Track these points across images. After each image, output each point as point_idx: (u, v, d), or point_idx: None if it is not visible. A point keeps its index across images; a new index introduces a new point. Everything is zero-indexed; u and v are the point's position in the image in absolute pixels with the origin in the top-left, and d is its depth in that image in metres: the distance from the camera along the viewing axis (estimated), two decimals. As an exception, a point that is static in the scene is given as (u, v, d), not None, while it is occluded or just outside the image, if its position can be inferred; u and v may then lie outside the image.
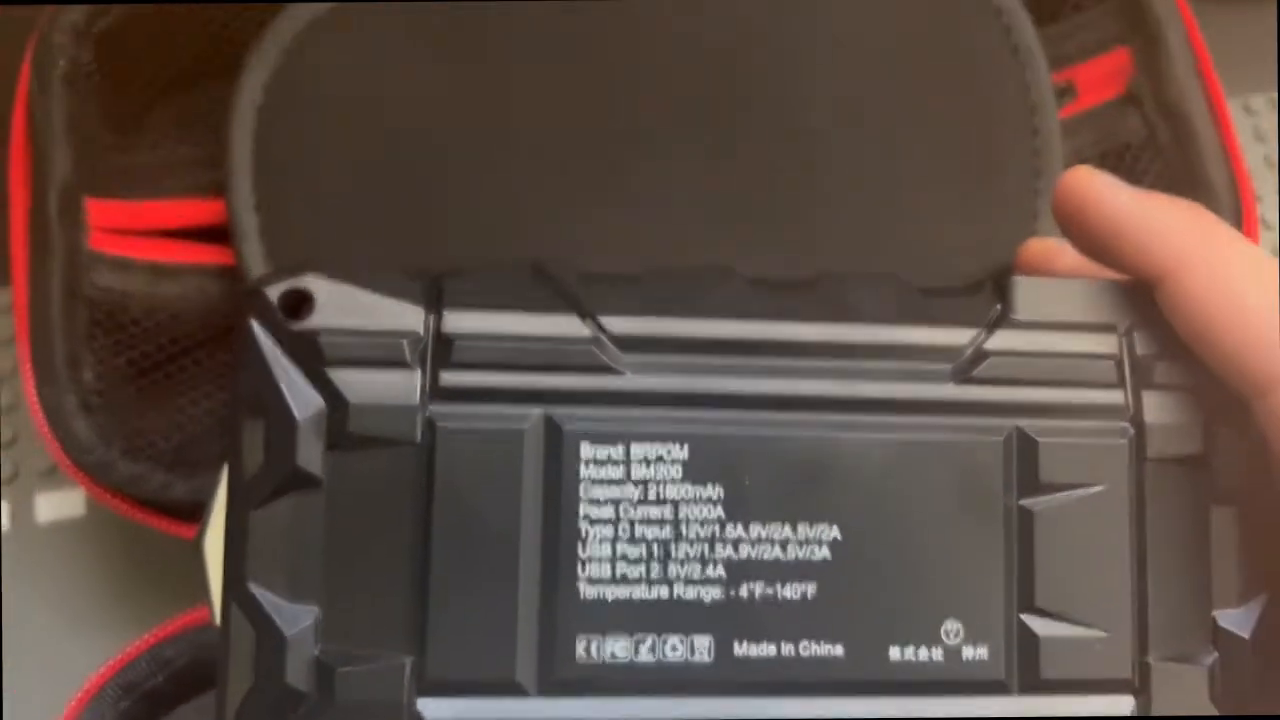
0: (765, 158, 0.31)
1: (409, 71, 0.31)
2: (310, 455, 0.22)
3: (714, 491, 0.23)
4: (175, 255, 0.30)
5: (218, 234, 0.31)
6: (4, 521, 0.33)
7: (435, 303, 0.23)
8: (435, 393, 0.22)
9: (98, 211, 0.30)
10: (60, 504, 0.33)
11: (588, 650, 0.22)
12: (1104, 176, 0.24)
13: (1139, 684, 0.23)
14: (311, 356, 0.22)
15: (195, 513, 0.28)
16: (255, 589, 0.22)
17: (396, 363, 0.22)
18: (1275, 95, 0.40)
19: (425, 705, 0.22)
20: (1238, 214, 0.32)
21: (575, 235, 0.30)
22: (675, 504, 0.22)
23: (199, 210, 0.31)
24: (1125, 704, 0.23)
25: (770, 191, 0.31)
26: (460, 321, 0.22)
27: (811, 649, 0.22)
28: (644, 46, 0.31)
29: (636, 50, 0.31)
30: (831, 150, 0.31)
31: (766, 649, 0.22)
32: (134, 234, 0.30)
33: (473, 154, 0.30)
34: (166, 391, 0.30)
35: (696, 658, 0.22)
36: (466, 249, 0.30)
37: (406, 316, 0.22)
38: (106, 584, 0.32)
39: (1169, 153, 0.33)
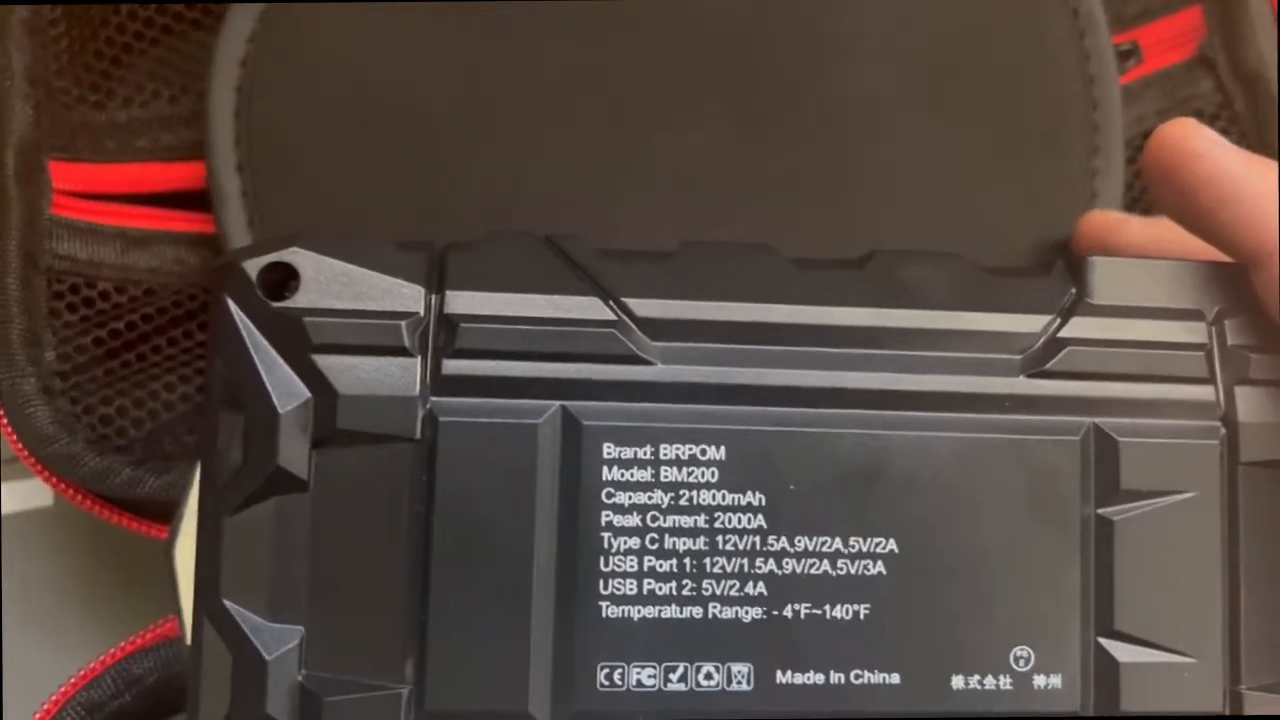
0: (804, 129, 0.28)
1: (410, 23, 0.28)
2: (294, 453, 0.19)
3: (754, 498, 0.20)
4: (148, 222, 0.28)
5: (197, 199, 0.28)
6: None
7: (437, 280, 0.20)
8: (437, 383, 0.20)
9: (61, 174, 0.27)
10: (25, 493, 0.30)
11: (610, 678, 0.19)
12: (1209, 132, 0.22)
13: (1231, 716, 0.21)
14: (296, 341, 0.19)
15: (167, 511, 0.26)
16: (231, 605, 0.19)
17: (393, 348, 0.19)
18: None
19: None
20: (1319, 188, 0.29)
21: (589, 210, 0.27)
22: (710, 512, 0.20)
23: (176, 173, 0.28)
24: (1214, 738, 0.21)
25: (808, 166, 0.28)
26: (466, 302, 0.20)
27: (864, 677, 0.20)
28: (667, 12, 0.28)
29: (658, 16, 0.28)
30: (873, 123, 0.29)
31: (813, 677, 0.20)
32: (102, 198, 0.27)
33: (480, 118, 0.27)
34: (138, 374, 0.27)
35: (734, 686, 0.20)
36: (471, 222, 0.27)
37: (405, 296, 0.20)
38: (73, 584, 0.29)
39: (1245, 121, 0.30)
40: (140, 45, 0.29)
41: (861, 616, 0.20)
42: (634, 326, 0.20)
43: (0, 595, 0.28)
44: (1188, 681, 0.21)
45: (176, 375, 0.28)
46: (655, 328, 0.20)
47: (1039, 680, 0.20)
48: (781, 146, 0.28)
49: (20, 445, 0.25)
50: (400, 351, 0.19)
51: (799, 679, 0.20)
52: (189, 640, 0.20)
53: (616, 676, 0.19)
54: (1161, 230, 0.26)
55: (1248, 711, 0.21)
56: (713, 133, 0.28)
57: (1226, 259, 0.22)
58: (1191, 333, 0.21)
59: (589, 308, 0.20)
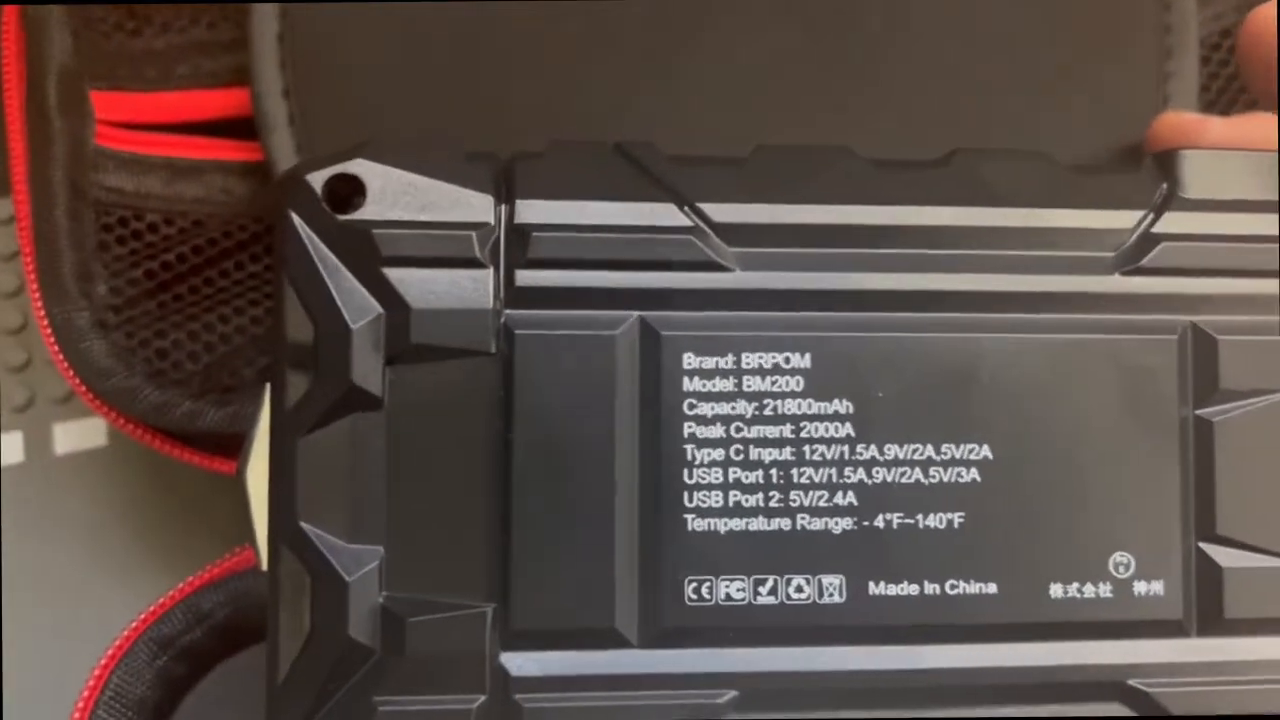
0: (870, 33, 0.27)
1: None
2: (368, 370, 0.19)
3: (841, 406, 0.19)
4: (194, 151, 0.27)
5: (243, 126, 0.27)
6: (19, 453, 0.30)
7: (506, 189, 0.19)
8: (511, 295, 0.19)
9: (103, 104, 0.26)
10: (80, 434, 0.30)
11: (698, 592, 0.19)
12: None
13: None
14: (365, 254, 0.19)
15: (226, 444, 0.25)
16: (308, 528, 0.19)
17: (465, 260, 0.19)
18: None
19: (510, 660, 0.19)
20: None
21: (651, 117, 0.26)
22: (796, 421, 0.19)
23: (220, 100, 0.27)
24: (1322, 645, 0.20)
25: (876, 71, 0.27)
26: (537, 211, 0.19)
27: (960, 587, 0.19)
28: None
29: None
30: (939, 25, 0.27)
31: (907, 588, 0.19)
32: (146, 128, 0.27)
33: (535, 25, 0.26)
34: (192, 307, 0.27)
35: (826, 599, 0.19)
36: (528, 133, 0.26)
37: (474, 206, 0.19)
38: (132, 522, 0.29)
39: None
40: (177, -31, 0.28)
41: (955, 525, 0.19)
42: (710, 232, 0.19)
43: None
44: (1294, 586, 0.20)
45: (231, 308, 0.27)
46: (732, 233, 0.19)
47: (1140, 587, 0.20)
48: (847, 50, 0.27)
49: (78, 381, 0.25)
50: (472, 263, 0.19)
51: (892, 590, 0.19)
52: (265, 566, 0.19)
53: (704, 590, 0.19)
54: (1246, 130, 0.25)
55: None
56: (777, 35, 0.27)
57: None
58: (1290, 225, 0.20)
59: (664, 214, 0.19)
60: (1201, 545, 0.20)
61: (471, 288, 0.19)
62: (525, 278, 0.19)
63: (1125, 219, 0.20)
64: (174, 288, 0.27)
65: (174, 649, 0.24)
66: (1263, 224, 0.20)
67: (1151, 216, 0.20)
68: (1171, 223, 0.20)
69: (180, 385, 0.26)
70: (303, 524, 0.19)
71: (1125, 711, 0.19)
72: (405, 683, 0.19)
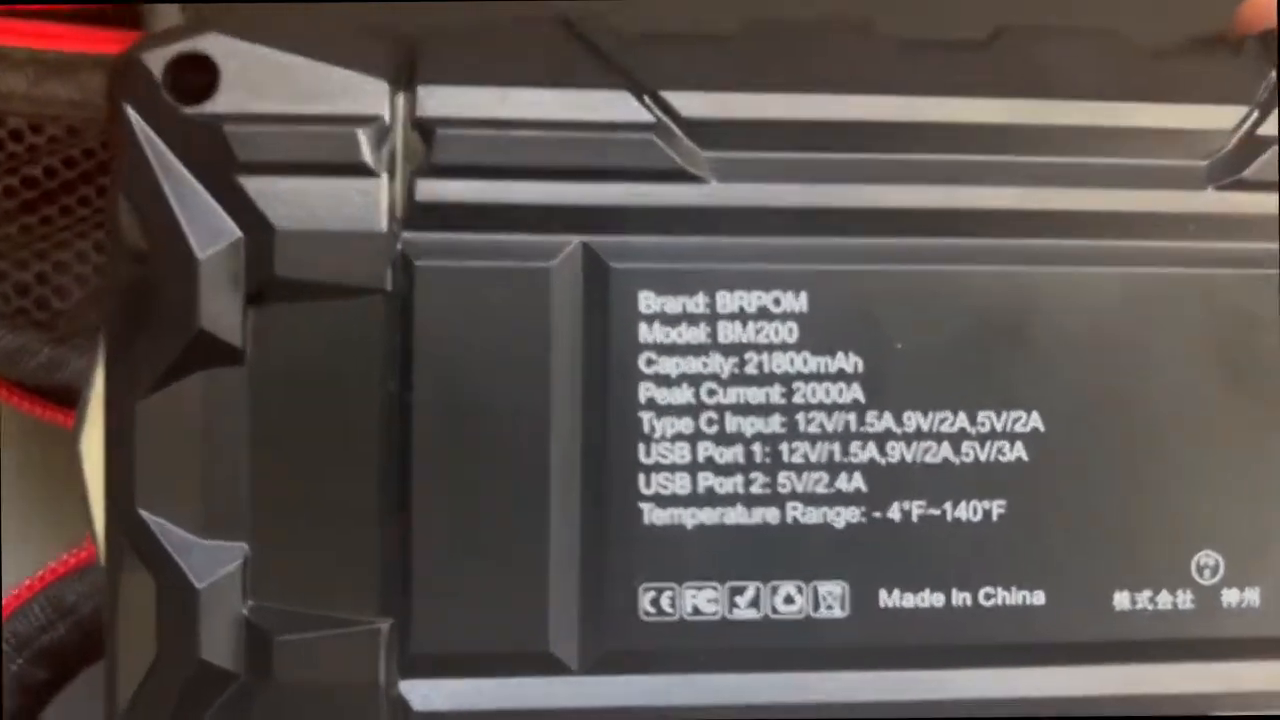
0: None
1: None
2: (221, 312, 0.15)
3: (847, 363, 0.16)
4: (68, 43, 0.23)
5: (127, 14, 0.23)
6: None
7: (407, 73, 0.16)
8: (411, 213, 0.15)
9: (-47, -18, 0.22)
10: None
11: (657, 604, 0.16)
12: None
13: None
14: (217, 158, 0.15)
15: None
16: (150, 518, 0.15)
17: (349, 166, 0.15)
18: None
19: (412, 690, 0.15)
20: None
21: None
22: (788, 382, 0.16)
23: (99, -19, 0.23)
24: None
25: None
26: (446, 100, 0.16)
27: (998, 596, 0.16)
28: None
29: None
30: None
31: (929, 598, 0.16)
32: (6, 14, 0.23)
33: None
34: (62, 232, 0.23)
35: (823, 612, 0.16)
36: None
37: (363, 93, 0.15)
38: (23, 492, 0.25)
39: None
40: None
41: (994, 517, 0.16)
42: (677, 130, 0.16)
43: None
44: None
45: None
46: (707, 131, 0.16)
47: (1229, 596, 0.17)
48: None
49: (-88, 321, 0.21)
50: (359, 170, 0.15)
51: (910, 601, 0.16)
52: (103, 561, 0.16)
53: (665, 602, 0.16)
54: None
55: None
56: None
57: None
58: None
59: (616, 104, 0.16)
60: (1311, 542, 0.17)
61: (358, 203, 0.15)
62: (430, 190, 0.15)
63: (1222, 117, 0.17)
64: (41, 208, 0.23)
65: (32, 649, 0.21)
66: (1399, 125, 0.16)
67: (1256, 114, 0.17)
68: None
69: (41, 328, 0.22)
70: (142, 512, 0.15)
71: (1210, 753, 0.17)
72: (275, 715, 0.15)
